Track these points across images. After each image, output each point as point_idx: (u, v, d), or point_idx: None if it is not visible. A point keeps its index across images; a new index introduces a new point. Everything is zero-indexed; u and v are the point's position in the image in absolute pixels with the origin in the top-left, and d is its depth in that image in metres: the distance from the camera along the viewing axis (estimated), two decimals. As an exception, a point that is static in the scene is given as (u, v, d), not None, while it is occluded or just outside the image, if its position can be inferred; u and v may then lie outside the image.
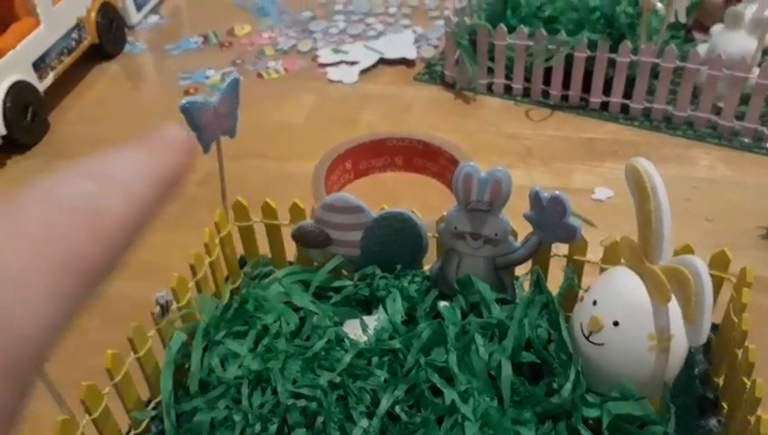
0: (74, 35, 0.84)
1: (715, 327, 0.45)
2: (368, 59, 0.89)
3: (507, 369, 0.40)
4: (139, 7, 1.01)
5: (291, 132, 0.78)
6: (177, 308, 0.44)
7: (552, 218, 0.44)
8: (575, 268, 0.46)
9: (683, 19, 0.70)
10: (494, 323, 0.44)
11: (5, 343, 0.13)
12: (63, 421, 0.36)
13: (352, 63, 0.89)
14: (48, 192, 0.15)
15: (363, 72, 0.88)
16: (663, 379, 0.39)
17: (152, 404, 0.44)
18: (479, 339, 0.42)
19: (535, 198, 0.44)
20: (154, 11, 1.05)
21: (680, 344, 0.39)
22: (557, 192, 0.43)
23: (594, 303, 0.40)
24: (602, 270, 0.46)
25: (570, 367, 0.40)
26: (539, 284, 0.44)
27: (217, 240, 0.50)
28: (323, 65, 0.89)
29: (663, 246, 0.37)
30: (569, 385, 0.39)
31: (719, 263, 0.44)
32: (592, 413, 0.38)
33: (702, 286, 0.33)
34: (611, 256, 0.45)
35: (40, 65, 0.78)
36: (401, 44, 0.92)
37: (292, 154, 0.74)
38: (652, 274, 0.37)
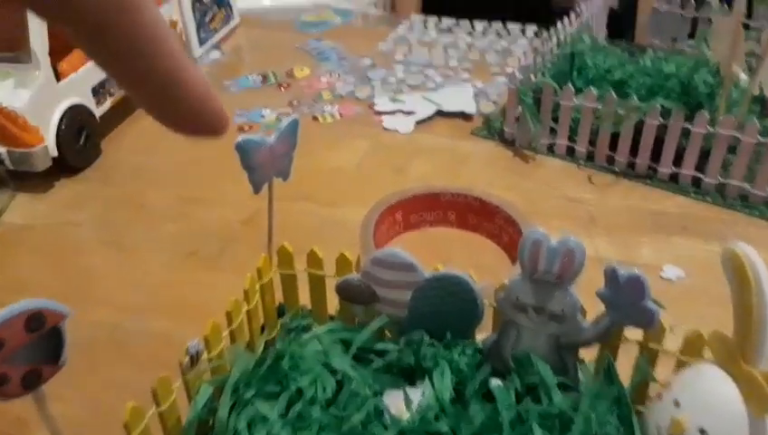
0: (136, 64, 0.85)
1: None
2: (425, 110, 0.87)
3: (571, 470, 0.35)
4: (201, 42, 1.02)
5: (342, 177, 0.75)
6: (208, 359, 0.41)
7: (628, 299, 0.39)
8: (650, 359, 0.41)
9: (768, 93, 0.66)
10: (555, 414, 0.39)
11: None
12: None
13: (409, 113, 0.87)
14: None
15: (419, 122, 0.85)
16: (756, 503, 0.33)
17: (169, 464, 0.40)
18: (538, 431, 0.37)
19: (611, 275, 0.39)
20: (216, 46, 1.06)
21: (777, 464, 0.33)
22: (636, 271, 0.39)
23: (676, 403, 0.35)
24: (680, 363, 0.41)
25: (642, 475, 0.35)
26: (610, 373, 0.39)
27: (258, 287, 0.46)
28: (379, 113, 0.88)
29: (765, 348, 0.32)
30: (642, 497, 0.33)
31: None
32: None
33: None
34: (692, 348, 0.40)
35: (99, 90, 0.78)
36: (460, 98, 0.89)
37: (341, 200, 0.71)
38: (751, 378, 0.32)
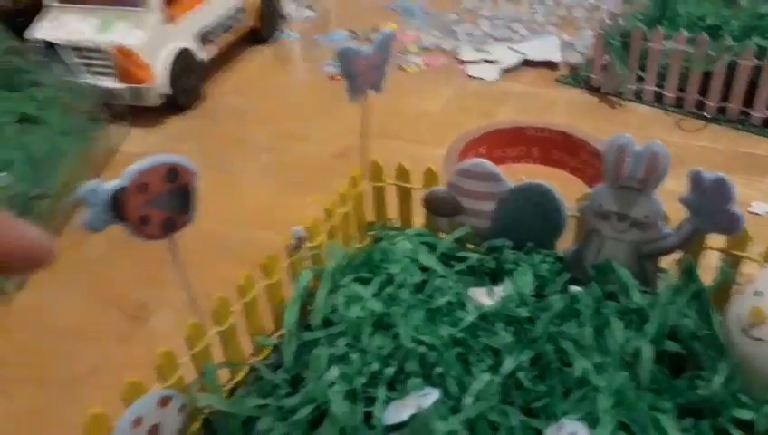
0: (237, 16, 0.91)
1: None
2: (510, 59, 0.88)
3: (648, 352, 0.36)
4: (294, 0, 1.07)
5: (427, 120, 0.78)
6: (309, 247, 0.45)
7: (712, 204, 0.40)
8: (733, 264, 0.41)
9: None
10: (634, 309, 0.40)
11: None
12: (194, 325, 0.37)
13: (494, 62, 0.88)
14: None
15: (505, 71, 0.87)
16: (837, 389, 0.34)
17: (275, 335, 0.44)
18: (616, 322, 0.39)
19: (695, 179, 0.40)
20: (308, 6, 1.11)
21: None
22: (722, 174, 0.39)
23: (758, 293, 0.36)
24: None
25: (720, 363, 0.36)
26: (690, 272, 0.40)
27: (353, 193, 0.50)
28: (464, 62, 0.90)
29: None
30: (719, 378, 0.35)
31: None
32: (745, 415, 0.34)
33: None
34: (778, 255, 0.40)
35: (204, 37, 0.84)
36: (546, 47, 0.90)
37: (427, 139, 0.74)
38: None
